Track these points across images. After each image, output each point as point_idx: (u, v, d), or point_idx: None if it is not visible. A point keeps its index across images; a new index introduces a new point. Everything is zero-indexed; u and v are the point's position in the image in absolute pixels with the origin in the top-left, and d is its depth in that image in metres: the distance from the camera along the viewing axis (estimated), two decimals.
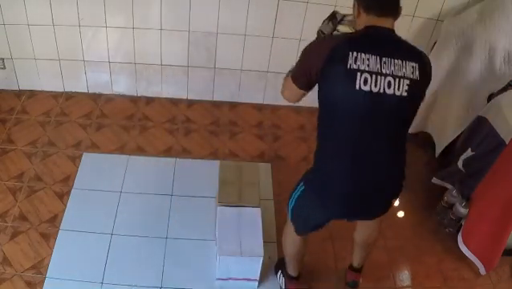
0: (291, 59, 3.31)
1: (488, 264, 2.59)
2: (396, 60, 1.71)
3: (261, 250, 2.32)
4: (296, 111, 3.50)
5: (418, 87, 1.74)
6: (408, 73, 1.71)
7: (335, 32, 1.96)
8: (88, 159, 2.99)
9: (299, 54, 1.86)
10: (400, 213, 2.98)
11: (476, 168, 2.58)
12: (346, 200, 1.90)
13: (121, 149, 3.09)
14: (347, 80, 1.67)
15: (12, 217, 2.64)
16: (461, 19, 2.85)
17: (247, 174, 2.64)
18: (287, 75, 1.94)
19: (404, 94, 1.70)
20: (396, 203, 3.04)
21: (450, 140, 2.93)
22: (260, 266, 2.36)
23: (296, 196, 2.04)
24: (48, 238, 2.57)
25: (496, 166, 2.40)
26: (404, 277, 2.67)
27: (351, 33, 1.86)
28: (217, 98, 3.48)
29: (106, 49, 3.23)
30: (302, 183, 2.01)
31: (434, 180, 2.91)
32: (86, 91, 3.42)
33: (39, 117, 3.22)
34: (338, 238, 2.77)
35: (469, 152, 2.65)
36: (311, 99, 3.67)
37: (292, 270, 2.40)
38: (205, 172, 2.96)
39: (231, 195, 2.52)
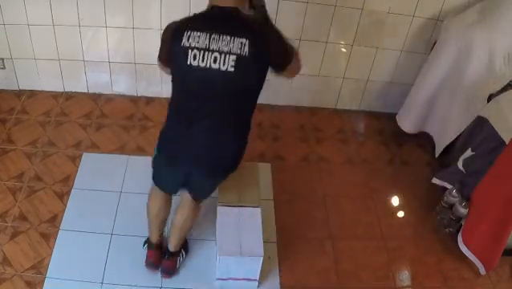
0: None
1: (488, 264, 2.59)
2: (224, 36, 1.82)
3: (261, 250, 2.32)
4: (296, 111, 3.50)
5: (248, 63, 1.83)
6: (235, 49, 1.82)
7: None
8: (88, 159, 2.99)
9: None
10: (400, 213, 2.99)
11: (476, 168, 2.58)
12: (173, 158, 2.14)
13: (121, 149, 3.09)
14: (181, 57, 1.86)
15: (12, 217, 2.64)
16: (461, 19, 2.85)
17: (247, 174, 2.64)
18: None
19: (231, 69, 1.83)
20: (396, 203, 3.04)
21: (450, 140, 2.92)
22: (260, 266, 2.36)
23: (154, 156, 2.26)
24: (48, 238, 2.57)
25: (496, 166, 2.40)
26: (404, 277, 2.67)
27: (199, 13, 1.96)
28: None
29: (106, 49, 3.23)
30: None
31: (434, 180, 2.91)
32: (86, 91, 3.42)
33: (39, 117, 3.22)
34: (338, 239, 2.77)
35: (469, 152, 2.65)
36: (312, 98, 3.68)
37: (152, 236, 2.44)
38: None
39: (231, 195, 2.52)
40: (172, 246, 2.43)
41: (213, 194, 2.71)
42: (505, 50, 2.71)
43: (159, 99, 3.44)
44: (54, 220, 2.65)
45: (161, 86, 3.41)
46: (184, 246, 2.53)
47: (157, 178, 2.31)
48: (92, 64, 3.30)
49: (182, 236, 2.43)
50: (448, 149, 2.98)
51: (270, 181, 2.99)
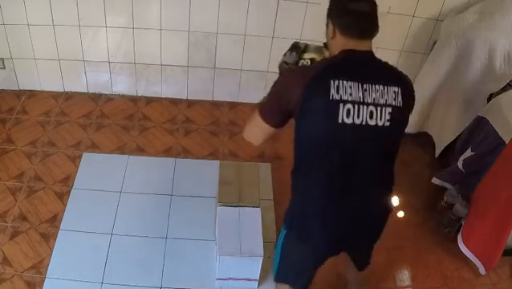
0: None
1: (488, 264, 2.59)
2: (377, 86, 1.56)
3: (261, 250, 2.32)
4: None
5: (401, 114, 1.61)
6: (390, 99, 1.57)
7: (301, 62, 1.82)
8: (88, 159, 2.99)
9: (270, 88, 1.68)
10: (400, 213, 2.98)
11: (476, 168, 2.58)
12: (332, 238, 1.74)
13: (121, 149, 3.08)
14: (330, 113, 1.53)
15: (12, 217, 2.64)
16: (461, 19, 2.85)
17: (247, 174, 2.64)
18: (256, 111, 1.72)
19: (387, 124, 1.57)
20: (396, 203, 3.04)
21: (450, 140, 2.92)
22: (260, 266, 2.36)
23: (280, 243, 1.83)
24: (48, 238, 2.57)
25: (496, 166, 2.40)
26: (404, 277, 2.67)
27: (328, 58, 1.68)
28: (216, 98, 3.48)
29: (106, 49, 3.23)
30: (284, 226, 1.81)
31: (434, 180, 2.91)
32: (86, 91, 3.42)
33: (39, 117, 3.22)
34: None
35: (469, 152, 2.65)
36: None
37: None
38: (205, 173, 2.96)
39: (231, 195, 2.52)
40: None
41: (213, 194, 2.71)
42: (505, 50, 2.71)
43: (159, 99, 3.44)
44: (54, 220, 2.65)
45: (161, 86, 3.41)
46: None
47: (300, 277, 1.87)
48: (92, 64, 3.30)
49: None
50: (448, 149, 2.98)
51: (270, 181, 2.99)
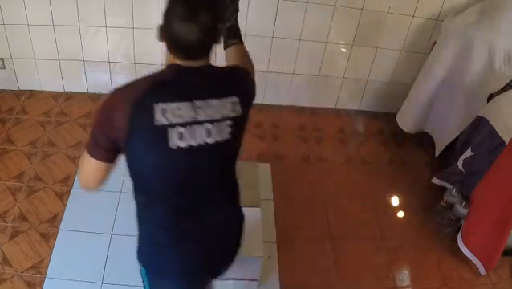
0: (291, 58, 3.35)
1: (488, 264, 2.59)
2: (211, 101, 1.40)
3: (261, 250, 2.32)
4: (296, 111, 3.50)
5: (242, 121, 1.49)
6: (228, 111, 1.42)
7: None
8: None
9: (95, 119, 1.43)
10: (400, 214, 2.99)
11: (476, 168, 2.58)
12: (181, 269, 1.61)
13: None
14: (158, 140, 1.35)
15: (12, 217, 2.64)
16: (461, 19, 2.85)
17: (247, 174, 2.63)
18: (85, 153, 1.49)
19: (228, 136, 1.43)
20: (396, 203, 3.04)
21: (450, 140, 2.93)
22: (260, 266, 2.36)
23: (148, 286, 1.71)
24: (48, 238, 2.57)
25: (496, 166, 2.40)
26: (404, 277, 2.67)
27: (153, 75, 1.43)
28: None
29: (106, 49, 3.23)
30: (141, 265, 1.69)
31: (434, 180, 2.91)
32: (86, 91, 3.42)
33: (39, 117, 3.22)
34: (338, 239, 2.77)
35: (468, 152, 2.65)
36: (311, 98, 3.67)
37: None
38: None
39: None
40: None
41: None
42: (505, 50, 2.71)
43: None
44: (54, 220, 2.65)
45: None
46: None
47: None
48: (92, 64, 3.30)
49: None
50: (448, 149, 2.98)
51: (270, 181, 2.99)
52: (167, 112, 1.34)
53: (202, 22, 1.34)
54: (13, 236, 2.56)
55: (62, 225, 2.62)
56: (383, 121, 3.52)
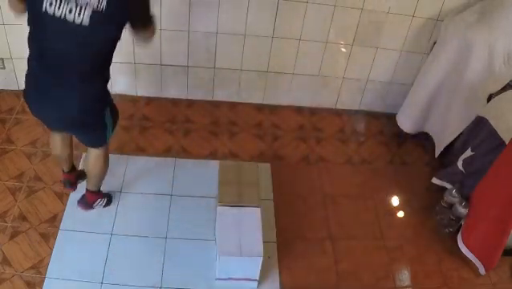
0: (291, 58, 3.34)
1: (488, 264, 2.59)
2: None
3: (261, 250, 2.32)
4: (296, 111, 3.50)
5: (105, 19, 1.83)
6: (93, 2, 1.80)
7: None
8: None
9: None
10: (400, 214, 2.99)
11: (476, 168, 2.58)
12: (38, 109, 2.15)
13: (121, 149, 3.08)
14: (37, 2, 1.83)
15: (12, 217, 2.64)
16: (460, 19, 2.85)
17: (247, 174, 2.64)
18: None
19: (86, 22, 1.82)
20: (396, 203, 3.04)
21: (450, 140, 2.93)
22: (260, 266, 2.36)
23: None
24: (48, 238, 2.57)
25: (496, 166, 2.40)
26: (404, 277, 2.67)
27: None
28: (216, 98, 3.48)
29: None
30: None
31: (434, 180, 2.91)
32: None
33: None
34: (338, 239, 2.77)
35: (468, 152, 2.65)
36: (311, 98, 3.67)
37: (63, 168, 2.66)
38: (205, 173, 2.96)
39: (231, 195, 2.52)
40: (89, 185, 2.62)
41: (213, 194, 2.71)
42: (505, 50, 2.71)
43: (158, 99, 3.44)
44: (54, 220, 2.65)
45: (161, 86, 3.41)
46: (108, 197, 2.73)
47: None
48: None
49: (95, 178, 2.56)
50: (448, 149, 2.98)
51: (269, 181, 2.99)
52: None
53: None
54: (13, 236, 2.56)
55: (62, 225, 2.62)
56: (383, 121, 3.52)
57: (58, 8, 1.81)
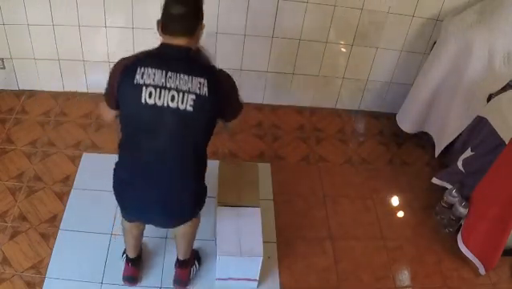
0: (291, 58, 3.34)
1: (487, 264, 2.59)
2: (181, 75, 1.78)
3: (260, 250, 2.32)
4: (296, 111, 3.50)
5: (206, 103, 1.79)
6: (194, 88, 1.77)
7: None
8: (88, 159, 2.99)
9: None
10: (400, 213, 2.99)
11: (476, 168, 2.58)
12: (135, 208, 2.06)
13: None
14: (134, 94, 1.78)
15: (12, 217, 2.64)
16: (461, 19, 2.85)
17: (247, 174, 2.64)
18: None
19: (189, 108, 1.77)
20: (396, 203, 3.04)
21: (450, 140, 2.93)
22: (260, 266, 2.36)
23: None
24: (48, 238, 2.57)
25: (496, 166, 2.40)
26: (404, 277, 2.67)
27: (147, 50, 1.89)
28: None
29: (106, 49, 3.22)
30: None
31: (434, 180, 2.91)
32: (86, 91, 3.42)
33: (39, 117, 3.22)
34: (338, 239, 2.77)
35: (468, 152, 2.65)
36: (311, 98, 3.67)
37: (129, 251, 2.39)
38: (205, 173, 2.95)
39: (231, 195, 2.52)
40: (181, 254, 2.39)
41: (213, 194, 2.71)
42: (504, 50, 2.71)
43: None
44: (54, 220, 2.65)
45: None
46: (197, 256, 2.52)
47: (123, 212, 2.20)
48: (92, 64, 3.30)
49: (188, 243, 2.36)
50: (448, 149, 2.98)
51: (269, 181, 2.99)
52: (144, 75, 1.77)
53: (187, 2, 1.87)
54: (13, 236, 2.56)
55: (62, 225, 2.62)
56: (383, 121, 3.52)
57: (159, 98, 1.77)
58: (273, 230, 2.73)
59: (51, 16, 3.05)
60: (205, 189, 2.14)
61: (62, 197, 2.77)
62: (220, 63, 3.28)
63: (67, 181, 2.85)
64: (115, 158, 2.98)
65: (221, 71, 1.90)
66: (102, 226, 2.64)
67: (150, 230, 2.65)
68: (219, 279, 2.44)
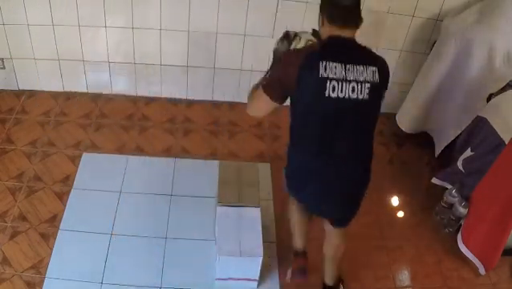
0: None
1: (487, 264, 2.59)
2: (358, 66, 1.84)
3: (260, 250, 2.32)
4: None
5: (378, 89, 1.90)
6: (369, 77, 1.86)
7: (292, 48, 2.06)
8: (88, 159, 2.99)
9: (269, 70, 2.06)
10: (400, 214, 2.99)
11: (475, 168, 2.58)
12: (315, 196, 2.13)
13: (121, 149, 3.08)
14: (319, 88, 1.83)
15: (12, 217, 2.64)
16: (460, 19, 2.85)
17: (247, 174, 2.64)
18: (255, 89, 2.07)
19: (366, 97, 1.86)
20: (396, 203, 3.04)
21: (450, 140, 2.92)
22: (260, 266, 2.36)
23: (284, 174, 2.22)
24: (48, 238, 2.57)
25: (495, 166, 2.40)
26: (404, 277, 2.67)
27: (317, 43, 1.96)
28: (216, 98, 3.48)
29: (106, 49, 3.23)
30: (284, 171, 2.21)
31: (434, 180, 2.91)
32: (86, 91, 3.42)
33: (39, 117, 3.22)
34: None
35: (468, 152, 2.65)
36: None
37: (296, 244, 2.41)
38: (205, 173, 2.96)
39: (231, 195, 2.52)
40: (328, 278, 2.41)
41: (213, 194, 2.71)
42: (504, 49, 2.71)
43: (158, 99, 3.44)
44: (54, 220, 2.65)
45: (161, 86, 3.41)
46: (343, 282, 2.51)
47: (296, 196, 2.28)
48: (92, 64, 3.30)
49: (337, 266, 2.40)
50: (448, 149, 2.98)
51: (269, 181, 2.99)
52: (327, 69, 1.81)
53: None
54: (12, 236, 2.56)
55: (61, 225, 2.62)
56: (382, 121, 3.52)
57: (341, 91, 1.83)
58: (273, 230, 2.73)
59: (51, 16, 3.05)
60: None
61: (62, 197, 2.77)
62: (220, 63, 3.32)
63: (67, 180, 2.85)
64: (115, 158, 3.01)
65: (382, 57, 1.95)
66: (102, 226, 2.64)
67: (150, 231, 2.66)
68: (219, 279, 2.44)
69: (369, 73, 1.85)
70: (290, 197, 2.34)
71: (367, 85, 1.85)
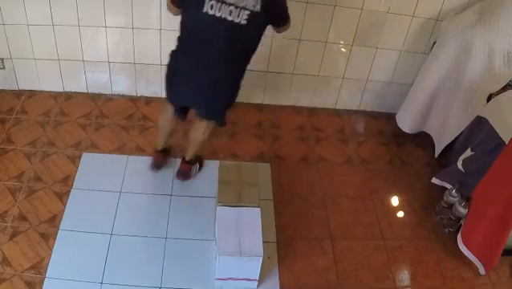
0: (291, 58, 3.34)
1: (487, 264, 2.59)
2: None
3: (260, 250, 2.32)
4: (296, 111, 3.50)
5: (259, 17, 2.18)
6: (250, 5, 2.14)
7: None
8: (88, 159, 2.99)
9: None
10: (400, 213, 2.99)
11: (475, 168, 2.58)
12: (186, 90, 2.45)
13: (121, 149, 3.08)
14: (198, 3, 2.16)
15: (11, 217, 2.64)
16: (460, 19, 2.86)
17: (247, 174, 2.64)
18: None
19: (244, 22, 2.15)
20: (396, 203, 3.04)
21: (450, 140, 2.93)
22: (259, 266, 2.36)
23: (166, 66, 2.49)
24: (48, 238, 2.57)
25: (495, 166, 2.40)
26: (404, 277, 2.67)
27: None
28: None
29: (105, 49, 3.23)
30: (168, 61, 2.47)
31: (434, 180, 2.91)
32: (85, 91, 3.42)
33: (39, 117, 3.22)
34: (338, 239, 2.77)
35: (468, 152, 2.65)
36: (311, 98, 3.67)
37: (158, 144, 2.88)
38: (205, 173, 2.96)
39: (231, 195, 2.52)
40: (188, 156, 2.84)
41: (213, 194, 2.71)
42: (504, 50, 2.71)
43: (158, 99, 3.43)
44: (54, 220, 2.65)
45: (161, 86, 3.41)
46: (200, 161, 2.95)
47: (170, 94, 2.57)
48: (92, 64, 3.30)
49: (195, 148, 2.80)
50: (447, 149, 2.98)
51: (269, 181, 2.99)
52: None
53: None
54: (12, 236, 2.56)
55: (61, 226, 2.62)
56: (382, 121, 3.52)
57: (219, 11, 2.14)
58: (273, 230, 2.73)
59: (51, 16, 3.05)
60: (239, 86, 2.49)
61: (62, 197, 2.77)
62: None
63: (67, 181, 2.85)
64: (115, 158, 3.01)
65: None
66: (102, 226, 2.64)
67: (150, 231, 2.66)
68: (219, 279, 2.44)
69: (251, 1, 2.12)
70: (164, 103, 2.66)
71: (246, 12, 2.13)
